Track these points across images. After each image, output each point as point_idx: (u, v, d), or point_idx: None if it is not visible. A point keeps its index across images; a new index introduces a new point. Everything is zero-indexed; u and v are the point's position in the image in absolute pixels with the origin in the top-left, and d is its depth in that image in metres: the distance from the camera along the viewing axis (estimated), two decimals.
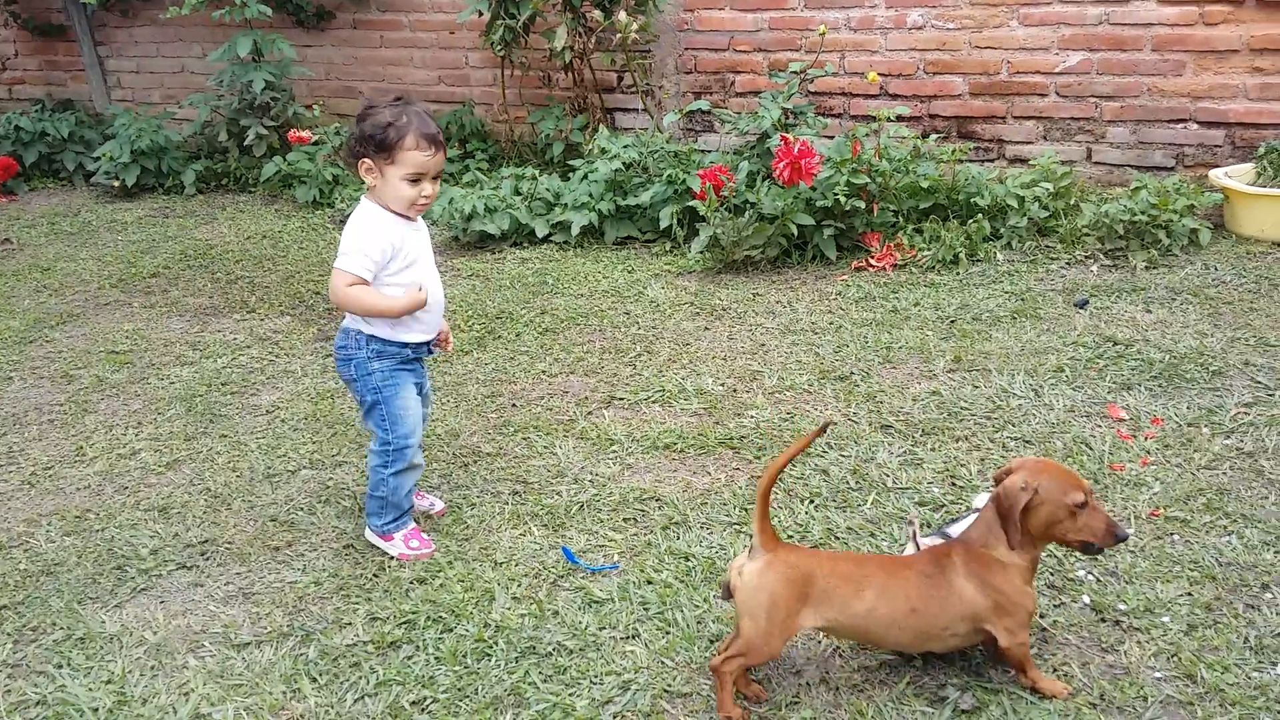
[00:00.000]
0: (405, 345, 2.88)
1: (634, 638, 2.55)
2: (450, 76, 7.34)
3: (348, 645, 2.57)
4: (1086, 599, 2.56)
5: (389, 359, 2.87)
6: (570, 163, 6.03)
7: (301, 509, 3.21)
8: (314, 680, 2.47)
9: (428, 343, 2.95)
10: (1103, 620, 2.49)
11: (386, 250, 2.75)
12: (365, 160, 2.73)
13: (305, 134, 6.45)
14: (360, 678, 2.46)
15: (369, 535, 2.99)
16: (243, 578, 2.89)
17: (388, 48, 7.50)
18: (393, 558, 2.92)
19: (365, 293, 2.77)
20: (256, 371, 4.22)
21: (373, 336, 2.84)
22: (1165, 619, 2.49)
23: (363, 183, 2.80)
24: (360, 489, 3.29)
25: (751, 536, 2.26)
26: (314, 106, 7.00)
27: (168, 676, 2.52)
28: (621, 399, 3.81)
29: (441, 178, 2.88)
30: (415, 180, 2.74)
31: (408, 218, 2.80)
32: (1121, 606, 2.53)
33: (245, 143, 7.05)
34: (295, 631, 2.64)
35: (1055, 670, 2.34)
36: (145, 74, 8.55)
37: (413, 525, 3.00)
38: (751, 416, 3.60)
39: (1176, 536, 2.80)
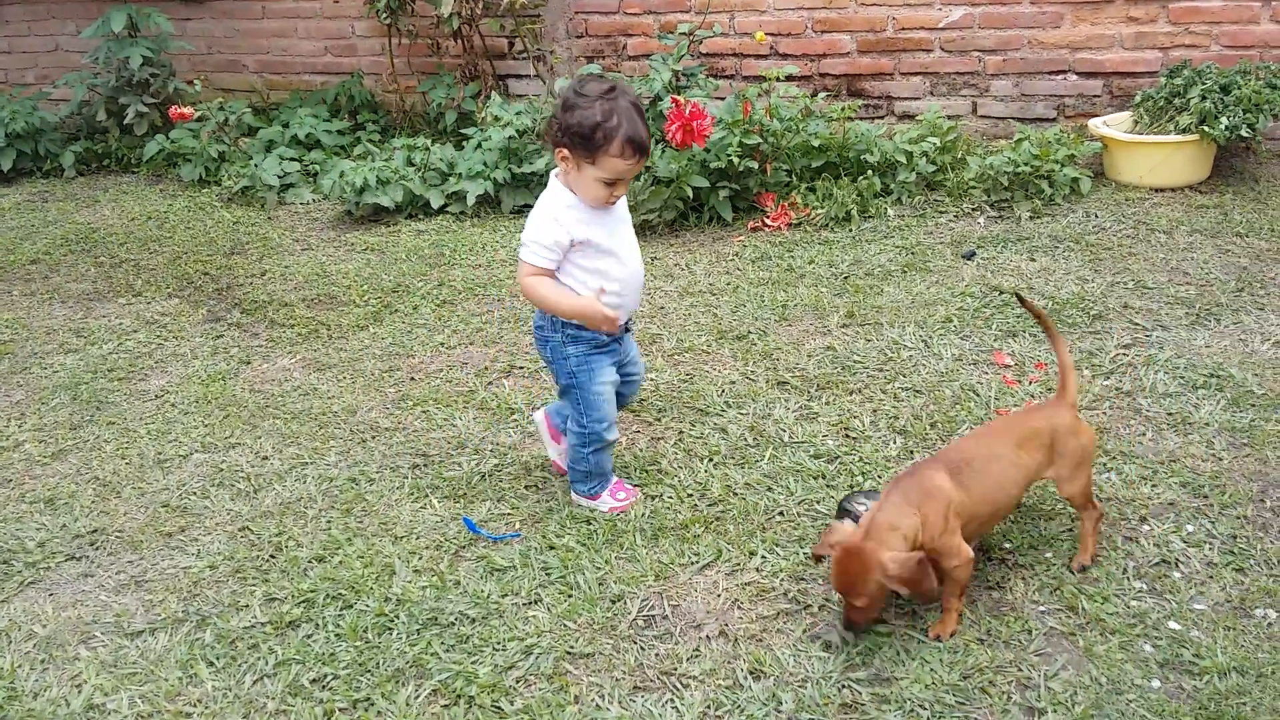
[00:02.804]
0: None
1: (536, 603, 2.57)
2: (337, 47, 7.18)
3: (245, 628, 2.54)
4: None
5: (584, 343, 2.77)
6: (464, 131, 5.96)
7: (194, 493, 3.14)
8: (211, 664, 2.43)
9: (625, 323, 2.85)
10: (989, 559, 2.58)
11: (564, 240, 2.65)
12: (563, 150, 2.61)
13: (188, 110, 6.24)
14: (258, 659, 2.43)
15: (575, 499, 2.95)
16: (135, 566, 2.82)
17: (270, 19, 7.30)
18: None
19: (545, 286, 2.67)
20: (144, 356, 4.11)
21: (564, 322, 2.75)
22: (1048, 554, 2.58)
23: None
24: (255, 471, 3.23)
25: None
26: (195, 81, 6.79)
27: (59, 669, 2.46)
28: (522, 368, 3.80)
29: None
30: (610, 183, 2.63)
31: None
32: (1007, 545, 2.62)
33: (125, 121, 6.81)
34: (190, 617, 2.60)
35: (942, 609, 2.40)
36: (17, 53, 8.20)
37: (615, 478, 2.96)
38: (651, 379, 3.62)
39: None
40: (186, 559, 2.83)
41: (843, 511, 2.69)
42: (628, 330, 2.92)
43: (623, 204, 2.78)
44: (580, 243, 2.67)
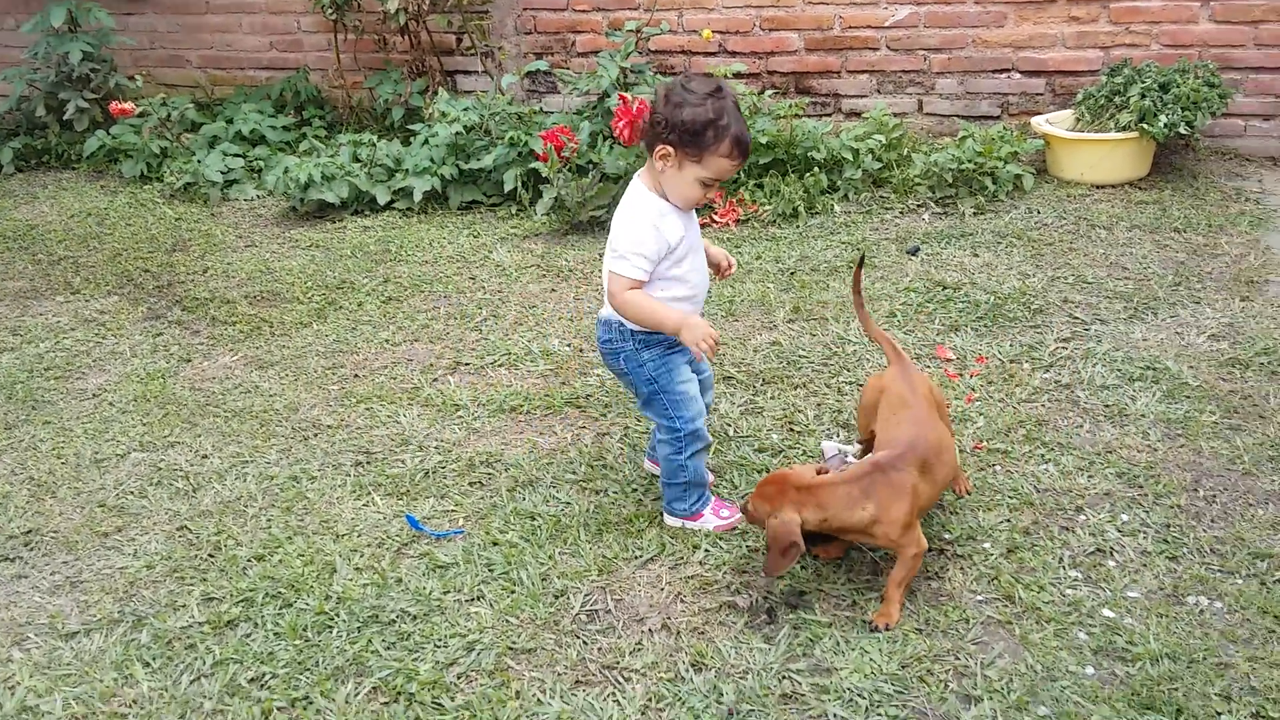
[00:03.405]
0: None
1: (479, 599, 2.55)
2: (282, 42, 7.10)
3: (182, 627, 2.50)
4: None
5: (657, 346, 2.66)
6: (411, 128, 5.92)
7: (132, 493, 3.09)
8: (146, 665, 2.39)
9: None
10: (928, 550, 2.59)
11: (663, 248, 2.54)
12: (666, 147, 2.50)
13: (128, 106, 6.14)
14: (195, 659, 2.40)
15: (671, 521, 2.78)
16: (70, 566, 2.77)
17: (214, 14, 7.19)
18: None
19: (644, 300, 2.56)
20: (82, 355, 4.04)
21: (634, 331, 2.65)
22: (986, 545, 2.61)
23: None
24: (194, 470, 3.19)
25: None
26: (137, 77, 6.68)
27: None
28: (467, 364, 3.78)
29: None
30: (708, 184, 2.55)
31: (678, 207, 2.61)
32: (946, 536, 2.65)
33: (65, 117, 6.69)
34: (126, 617, 2.56)
35: (882, 599, 2.42)
36: None
37: (713, 496, 2.82)
38: (597, 375, 3.62)
39: (998, 467, 2.93)
40: (123, 559, 2.79)
41: None
42: None
43: (695, 217, 2.69)
44: (674, 249, 2.58)
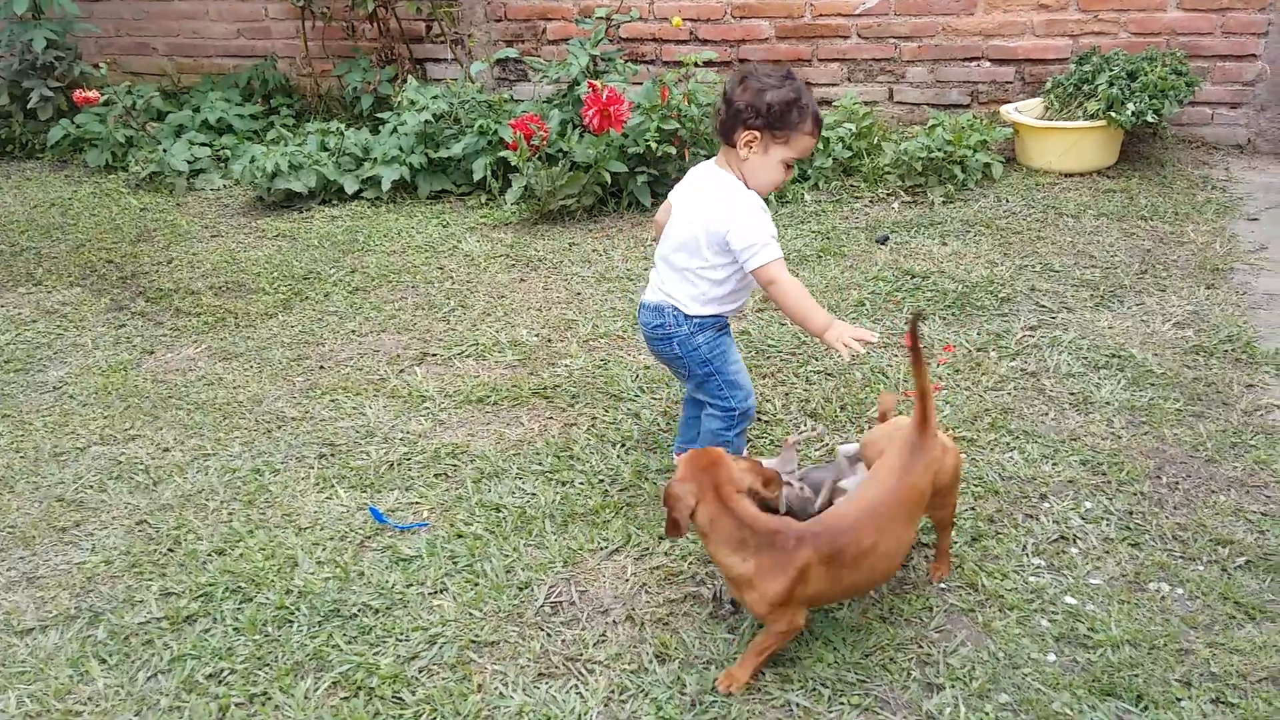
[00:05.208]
0: (720, 314, 2.71)
1: (442, 592, 2.54)
2: (250, 29, 7.02)
3: (139, 623, 2.47)
4: None
5: (709, 328, 2.69)
6: (379, 116, 5.86)
7: (91, 487, 3.05)
8: (103, 661, 2.37)
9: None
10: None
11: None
12: (752, 133, 2.53)
13: (93, 94, 6.05)
14: (153, 655, 2.37)
15: None
16: (26, 562, 2.74)
17: (181, 1, 7.11)
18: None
19: (804, 291, 2.55)
20: (43, 347, 3.98)
21: (690, 315, 2.66)
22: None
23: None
24: (155, 463, 3.15)
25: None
26: (102, 65, 6.59)
27: None
28: (435, 355, 3.75)
29: None
30: (791, 165, 2.59)
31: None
32: None
33: (29, 106, 6.58)
34: (83, 613, 2.52)
35: (740, 660, 2.28)
36: None
37: None
38: (565, 365, 3.60)
39: (964, 455, 2.93)
40: (81, 554, 2.75)
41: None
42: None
43: None
44: None
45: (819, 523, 2.20)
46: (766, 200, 2.64)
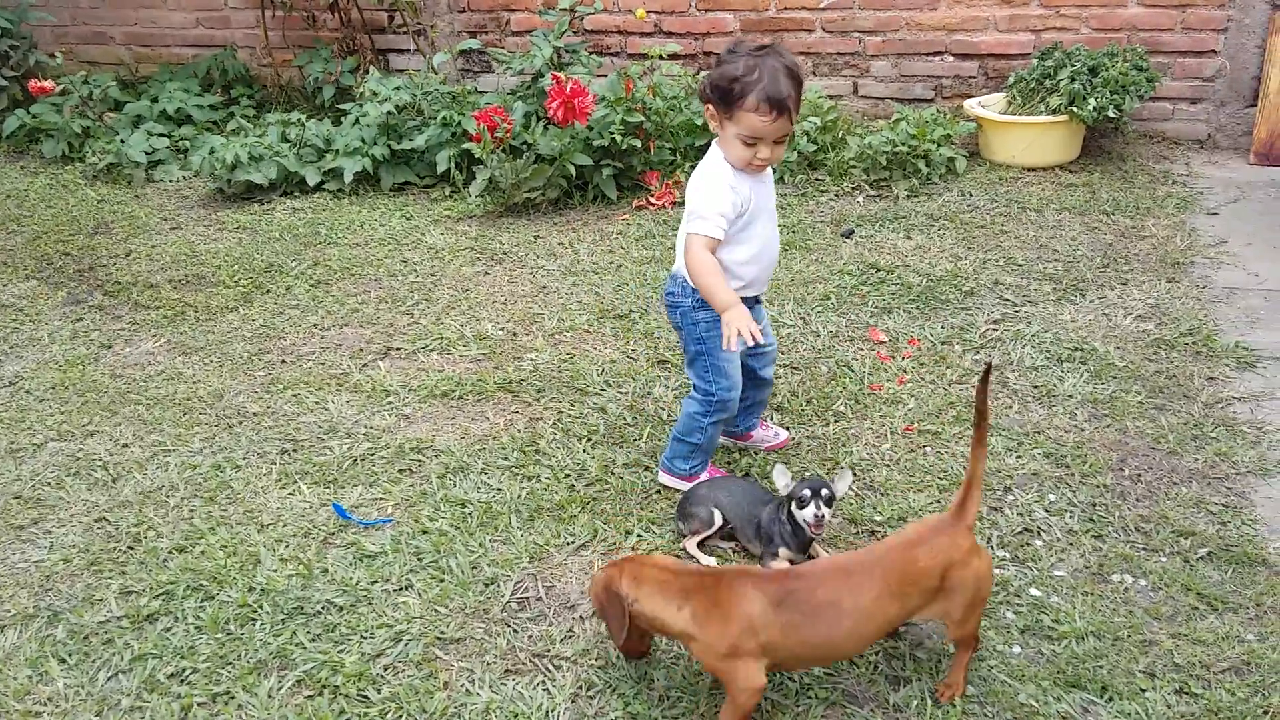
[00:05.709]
0: None
1: (407, 589, 2.51)
2: (209, 19, 6.92)
3: (99, 622, 2.43)
4: (839, 516, 2.67)
5: (710, 308, 2.61)
6: (341, 107, 5.80)
7: (49, 484, 3.00)
8: (62, 661, 2.32)
9: (754, 297, 2.75)
10: (858, 532, 2.61)
11: (738, 205, 2.54)
12: (709, 107, 2.54)
13: (49, 84, 5.94)
14: (113, 654, 2.33)
15: (665, 479, 2.85)
16: None
17: None
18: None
19: (714, 268, 2.52)
20: None
21: (694, 288, 2.63)
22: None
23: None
24: (113, 459, 3.10)
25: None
26: (57, 54, 6.48)
27: None
28: (398, 349, 3.72)
29: (788, 141, 2.62)
30: (751, 143, 2.51)
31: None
32: (877, 518, 2.66)
33: None
34: (41, 612, 2.48)
35: None
36: None
37: (710, 465, 2.86)
38: (531, 359, 3.58)
39: (929, 449, 2.95)
40: (38, 552, 2.70)
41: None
42: (759, 302, 2.83)
43: (769, 172, 2.68)
44: (743, 211, 2.58)
45: (773, 568, 2.19)
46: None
